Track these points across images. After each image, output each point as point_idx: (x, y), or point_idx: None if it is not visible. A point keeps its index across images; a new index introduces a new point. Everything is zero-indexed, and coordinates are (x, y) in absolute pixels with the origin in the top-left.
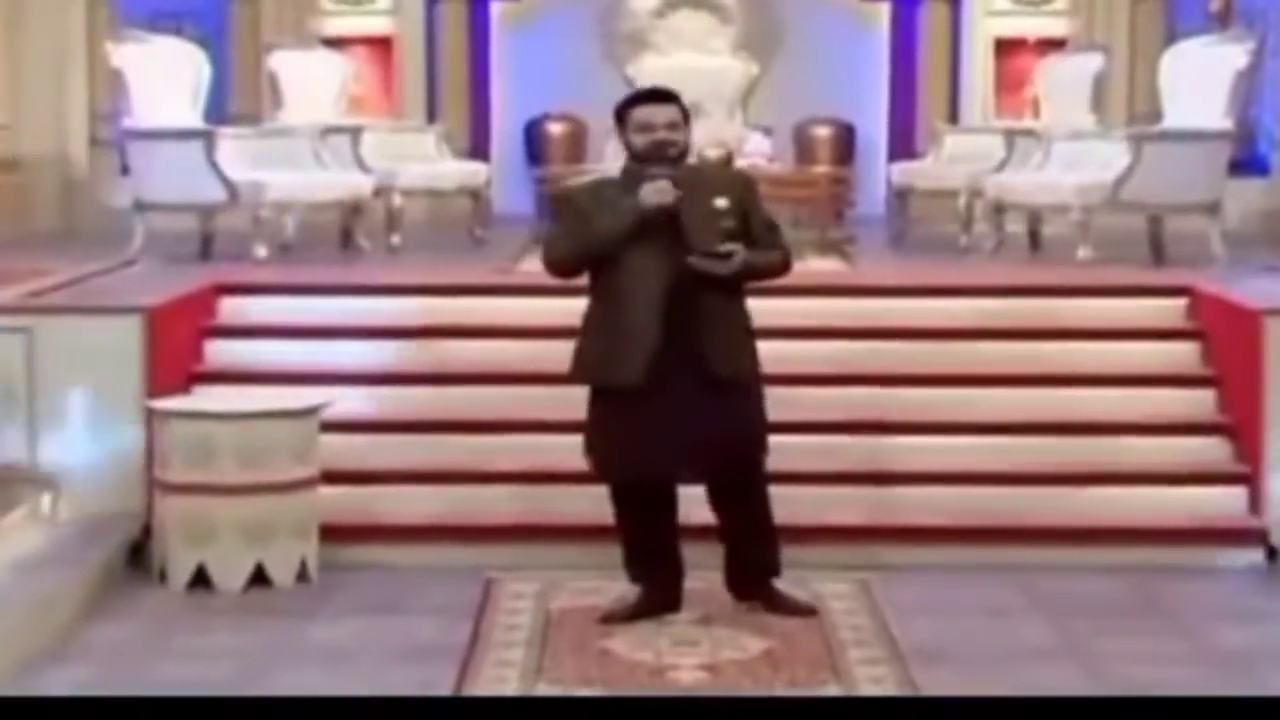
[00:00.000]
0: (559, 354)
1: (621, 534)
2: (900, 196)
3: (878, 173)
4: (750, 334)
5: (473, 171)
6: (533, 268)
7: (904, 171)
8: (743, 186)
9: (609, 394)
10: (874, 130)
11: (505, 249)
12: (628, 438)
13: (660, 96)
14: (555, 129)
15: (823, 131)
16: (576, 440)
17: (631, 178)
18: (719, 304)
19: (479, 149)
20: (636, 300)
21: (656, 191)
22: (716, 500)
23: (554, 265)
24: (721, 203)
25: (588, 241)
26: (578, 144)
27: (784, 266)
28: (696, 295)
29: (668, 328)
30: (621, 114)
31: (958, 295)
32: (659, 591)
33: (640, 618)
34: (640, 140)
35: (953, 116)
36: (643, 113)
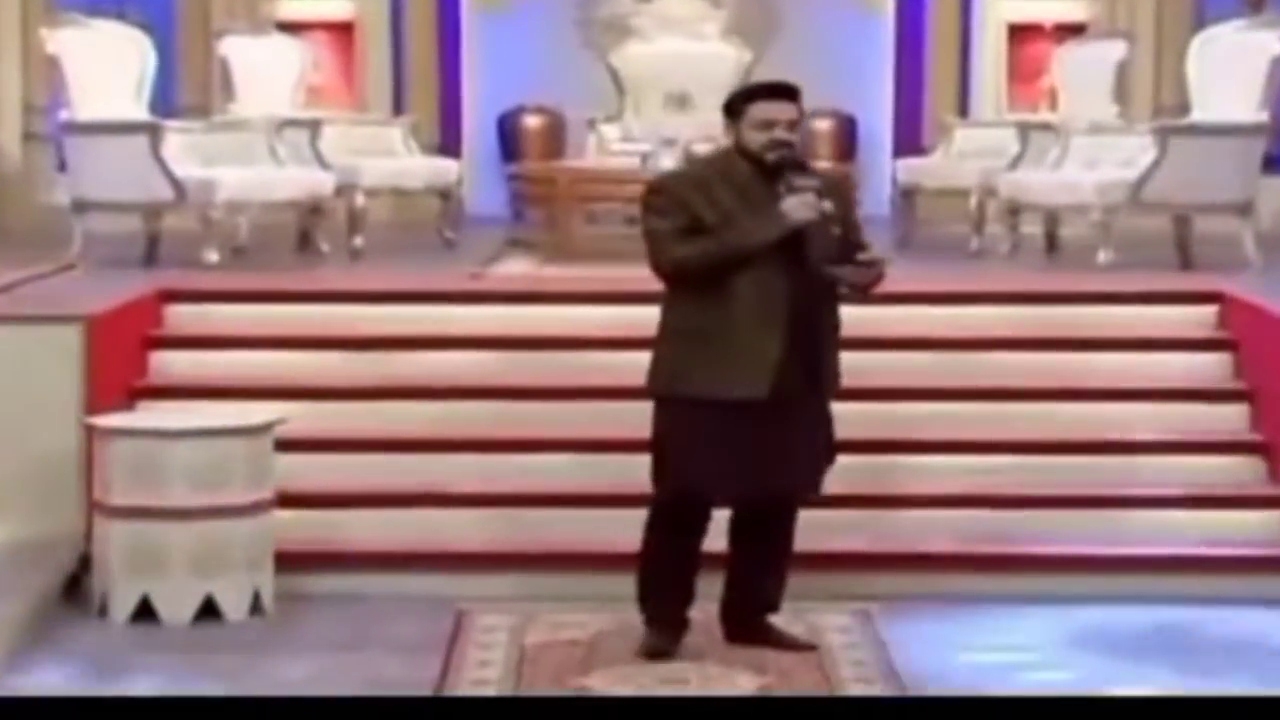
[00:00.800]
0: (535, 366)
1: (649, 562)
2: (906, 195)
3: (882, 169)
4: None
5: (442, 168)
6: (509, 271)
7: (910, 168)
8: (842, 189)
9: (713, 408)
10: (877, 123)
11: (477, 252)
12: (734, 454)
13: (784, 92)
14: (531, 122)
15: (822, 124)
16: (555, 460)
17: (731, 169)
18: (830, 318)
19: (449, 144)
20: (757, 310)
21: (805, 206)
22: (745, 526)
23: (681, 270)
24: (828, 207)
25: (726, 250)
26: (555, 138)
27: (882, 276)
28: (815, 307)
29: (787, 341)
30: (737, 107)
31: (969, 302)
32: (675, 627)
33: (662, 656)
34: (758, 138)
35: (963, 109)
36: (766, 109)
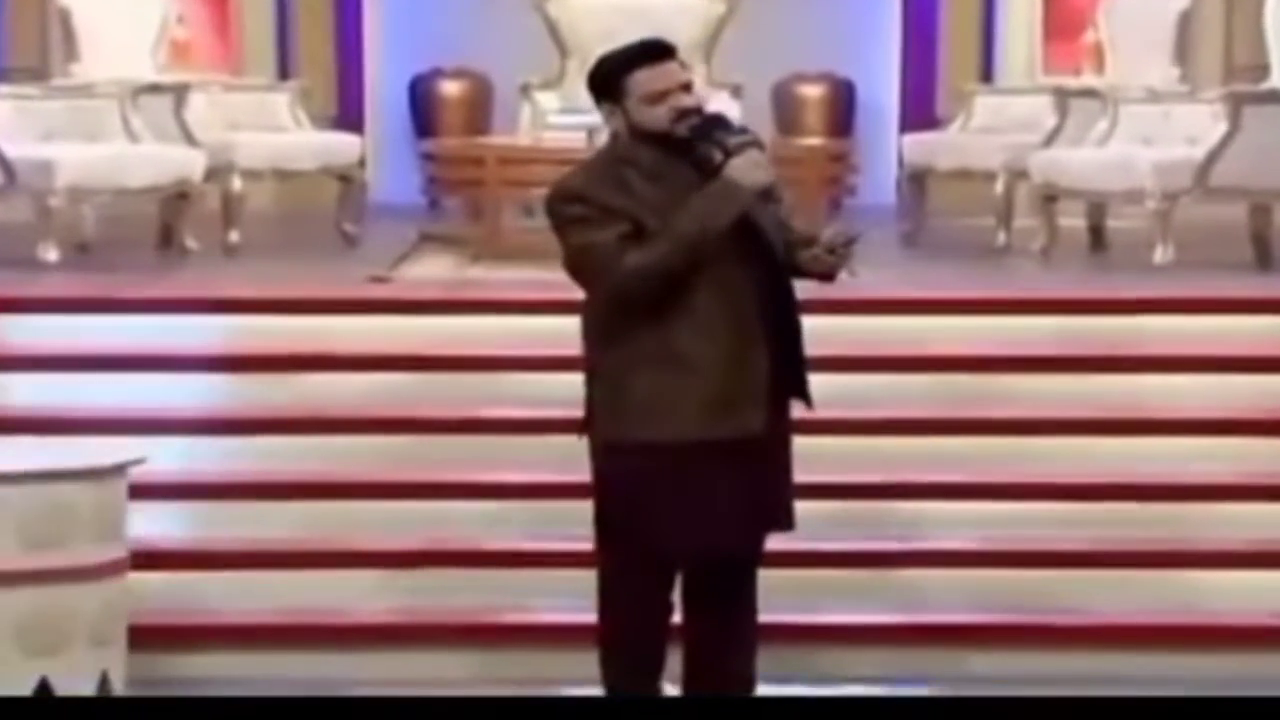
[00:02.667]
0: (455, 392)
1: (613, 640)
2: (916, 180)
3: (886, 148)
4: None
5: (339, 146)
6: (423, 274)
7: (920, 146)
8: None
9: (693, 450)
10: (880, 90)
11: (384, 250)
12: (717, 503)
13: (661, 52)
14: (450, 89)
15: (812, 91)
16: (477, 509)
17: (635, 159)
18: (797, 320)
19: (348, 115)
20: (731, 322)
21: (756, 165)
22: (704, 589)
23: (645, 282)
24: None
25: (688, 241)
26: (480, 109)
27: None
28: (784, 308)
29: (771, 355)
30: (614, 85)
31: (991, 312)
32: None
33: None
34: (655, 114)
35: (986, 72)
36: (651, 78)
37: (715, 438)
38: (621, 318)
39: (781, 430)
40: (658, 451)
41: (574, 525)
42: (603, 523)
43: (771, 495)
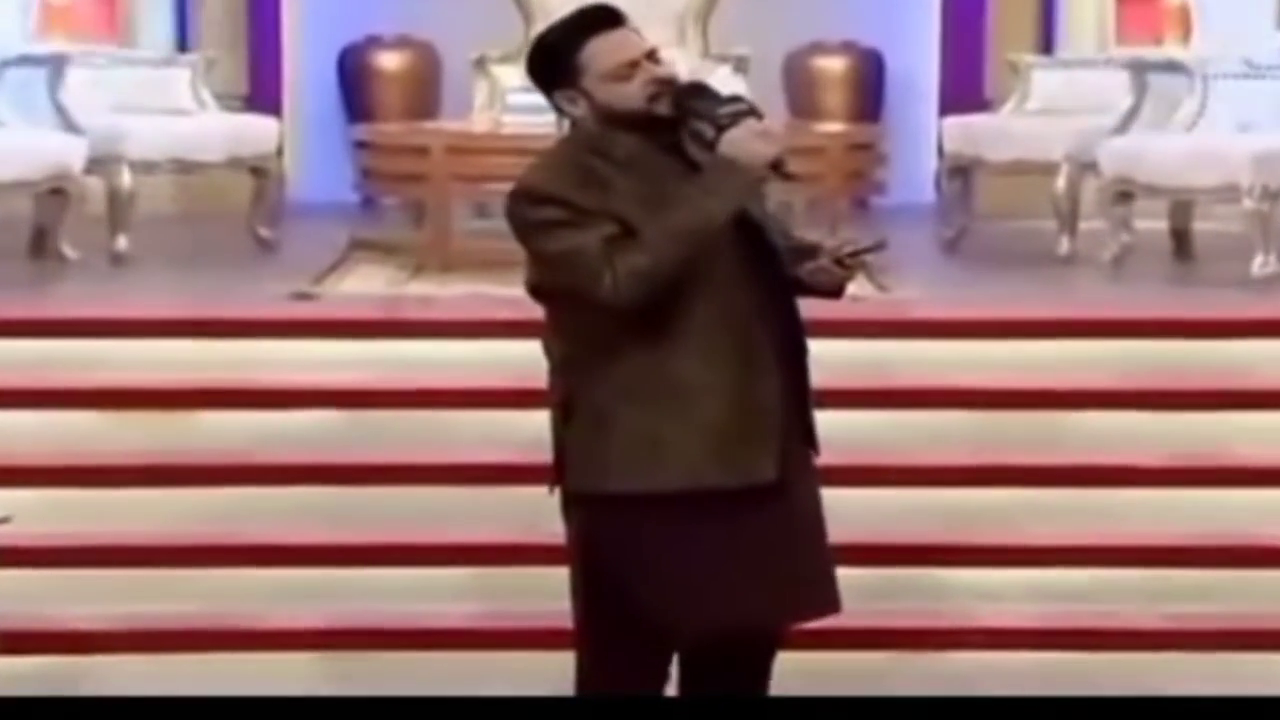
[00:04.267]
0: (394, 434)
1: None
2: (960, 173)
3: (921, 134)
4: None
5: (252, 132)
6: (355, 289)
7: (965, 132)
8: None
9: (692, 504)
10: (916, 64)
11: (307, 260)
12: (727, 571)
13: (606, 17)
14: (388, 62)
15: (833, 65)
16: (418, 577)
17: (607, 149)
18: (804, 343)
19: (263, 95)
20: (733, 343)
21: (757, 135)
22: (707, 679)
23: (650, 287)
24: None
25: (694, 235)
26: (426, 86)
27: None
28: (789, 326)
29: (781, 384)
30: (563, 63)
31: (1053, 336)
32: None
33: None
34: (626, 91)
35: (1045, 41)
36: (613, 48)
37: (723, 486)
38: (603, 341)
39: (805, 479)
40: (652, 504)
41: (542, 597)
42: (581, 594)
43: (801, 562)
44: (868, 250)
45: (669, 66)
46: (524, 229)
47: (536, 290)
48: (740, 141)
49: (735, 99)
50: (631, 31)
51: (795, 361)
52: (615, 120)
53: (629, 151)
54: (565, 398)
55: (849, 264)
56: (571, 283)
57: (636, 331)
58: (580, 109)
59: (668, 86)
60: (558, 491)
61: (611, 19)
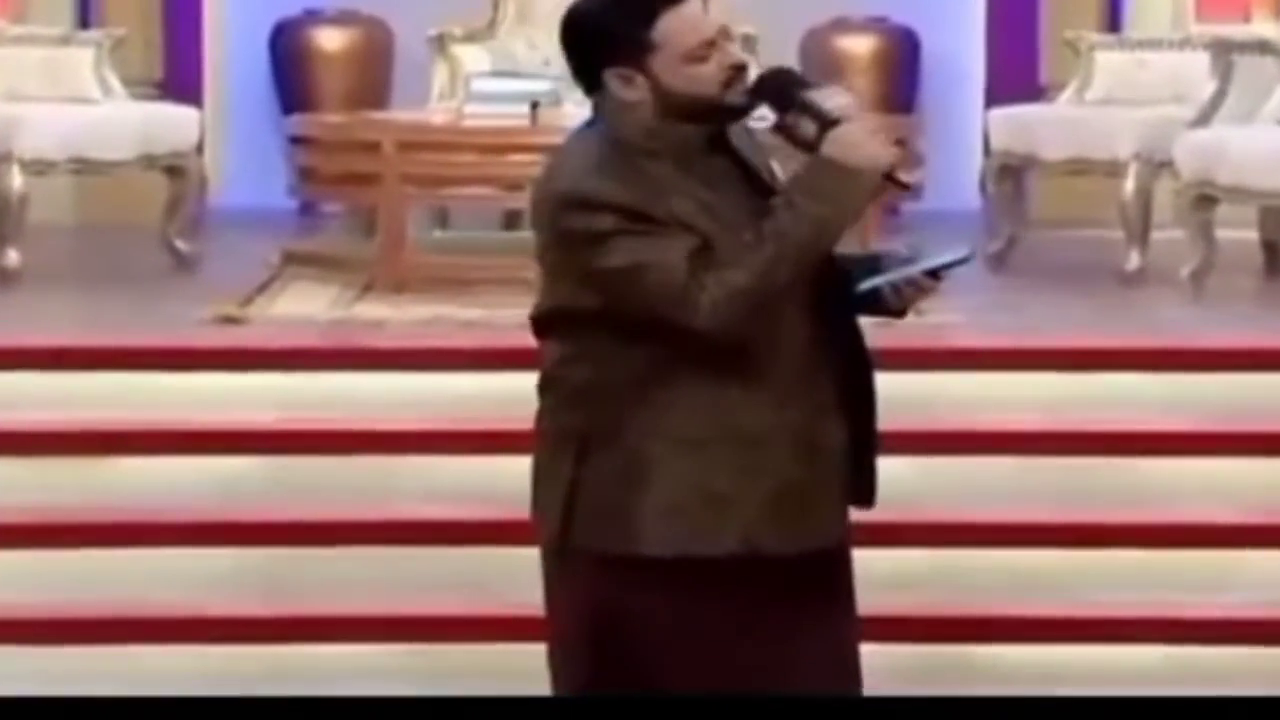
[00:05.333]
0: (333, 481)
1: None
2: (1009, 174)
3: (965, 128)
4: None
5: (168, 125)
6: (289, 311)
7: (1015, 125)
8: None
9: (759, 569)
10: (957, 44)
11: (233, 277)
12: (810, 657)
13: None
14: (330, 41)
15: (859, 46)
16: (363, 655)
17: (670, 147)
18: (872, 380)
19: (181, 81)
20: (793, 381)
21: (870, 135)
22: None
23: (742, 314)
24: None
25: (788, 255)
26: (375, 69)
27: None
28: (859, 364)
29: (845, 429)
30: (632, 38)
31: (1122, 368)
32: None
33: None
34: (703, 75)
35: (1111, 19)
36: (687, 22)
37: (788, 552)
38: (651, 370)
39: (847, 544)
40: (695, 570)
41: (501, 678)
42: (586, 674)
43: (848, 646)
44: (958, 262)
45: (739, 49)
46: (577, 242)
47: (558, 316)
48: (856, 142)
49: (827, 88)
50: (700, 3)
51: (863, 403)
52: (677, 109)
53: (685, 148)
54: (582, 433)
55: (924, 285)
56: (642, 303)
57: (697, 363)
58: (636, 93)
59: (742, 71)
60: (545, 550)
61: None
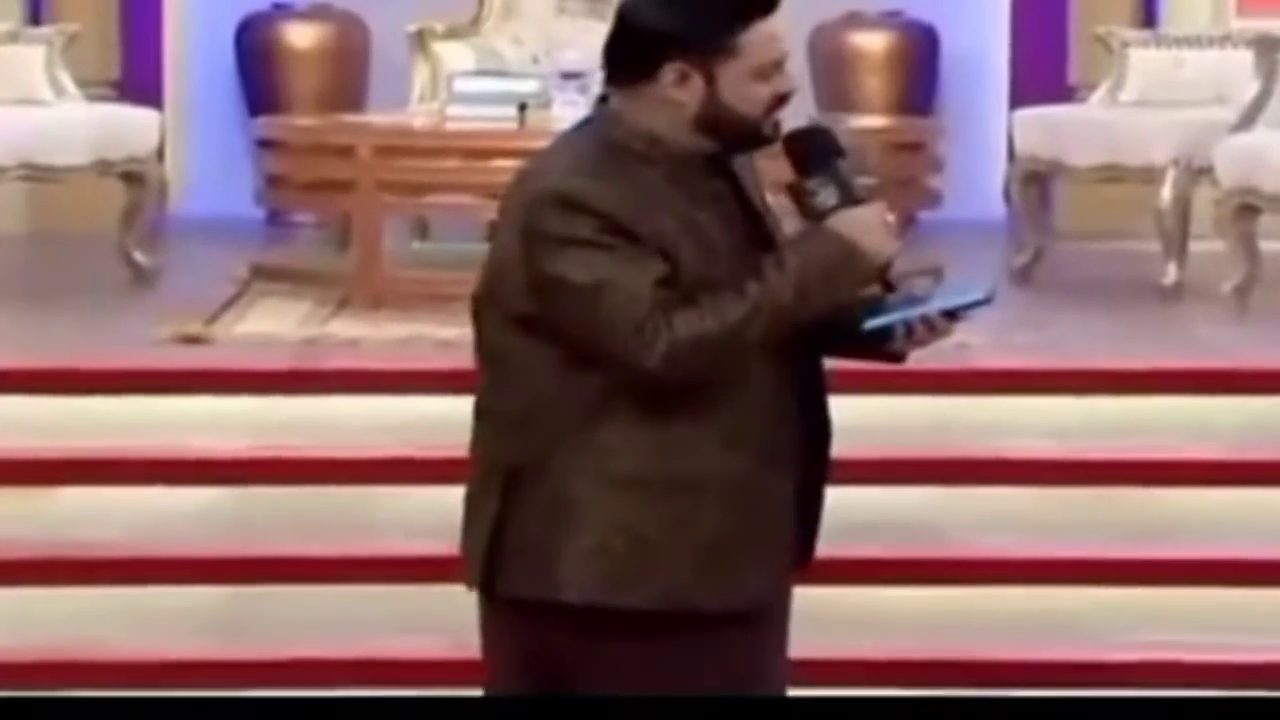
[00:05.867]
0: (307, 515)
1: None
2: (1036, 181)
3: (988, 131)
4: None
5: (126, 128)
6: (256, 329)
7: (1044, 128)
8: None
9: (675, 623)
10: (980, 40)
11: (196, 293)
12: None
13: None
14: (301, 38)
15: (873, 42)
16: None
17: (670, 160)
18: (829, 425)
19: (139, 80)
20: (751, 425)
21: (884, 227)
22: None
23: (694, 363)
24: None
25: (764, 318)
26: (349, 68)
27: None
28: (818, 407)
29: (795, 476)
30: (719, 31)
31: (1157, 391)
32: None
33: None
34: (757, 95)
35: (1147, 14)
36: (770, 35)
37: (713, 609)
38: (588, 403)
39: (784, 605)
40: (624, 620)
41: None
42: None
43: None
44: (978, 304)
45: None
46: (544, 243)
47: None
48: (869, 227)
49: (854, 158)
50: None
51: (818, 454)
52: (716, 122)
53: (685, 163)
54: (510, 465)
55: (940, 329)
56: (594, 328)
57: (642, 396)
58: (687, 94)
59: (785, 101)
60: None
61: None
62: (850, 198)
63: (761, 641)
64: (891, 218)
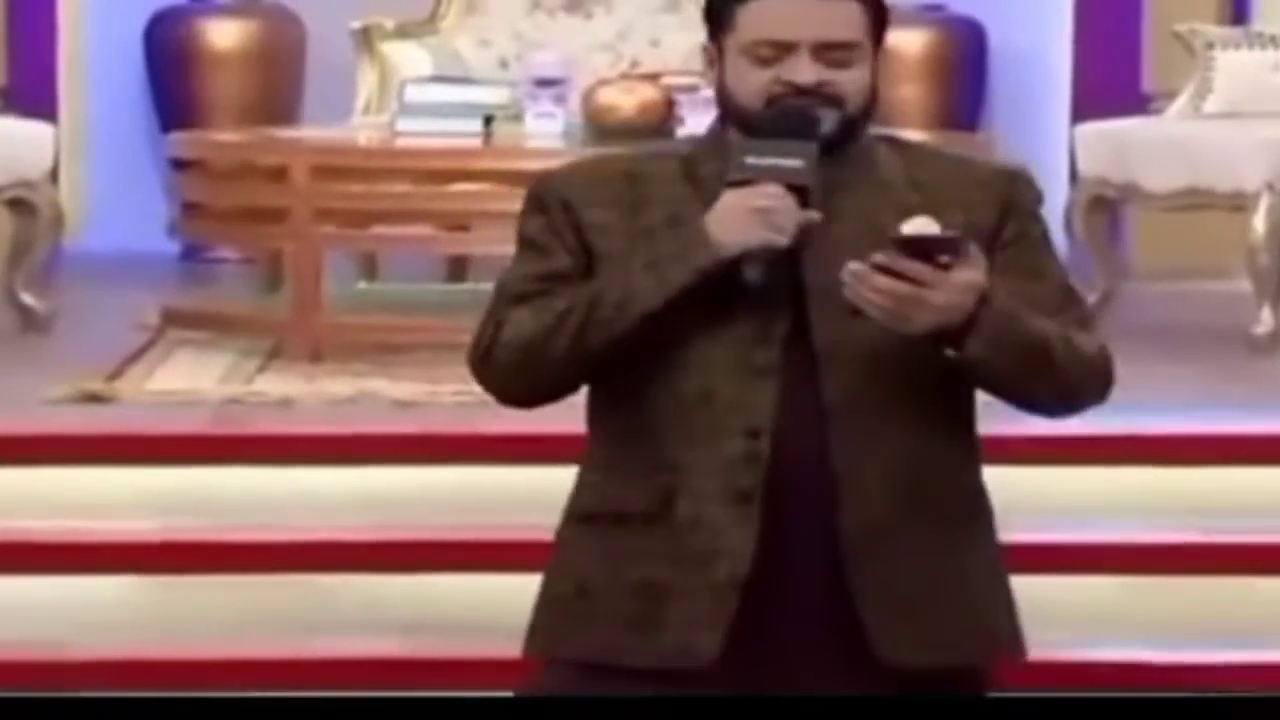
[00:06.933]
0: (224, 606)
1: None
2: (1103, 208)
3: (1046, 148)
4: (998, 563)
5: (13, 146)
6: (171, 386)
7: (1113, 145)
8: (1000, 195)
9: (602, 678)
10: (1036, 40)
11: (99, 342)
12: None
13: None
14: (224, 37)
15: (907, 42)
16: None
17: (709, 155)
18: (909, 452)
19: (28, 89)
20: (710, 456)
21: (756, 214)
22: None
23: (510, 367)
24: (814, 216)
25: (585, 319)
26: (280, 73)
27: (1097, 369)
28: (849, 435)
29: (780, 526)
30: (722, 2)
31: (1249, 461)
32: None
33: None
34: (754, 79)
35: (1237, 9)
36: (775, 8)
37: (641, 665)
38: (590, 431)
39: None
40: (579, 674)
41: None
42: None
43: None
44: (945, 245)
45: (830, 74)
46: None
47: None
48: (724, 213)
49: (796, 153)
50: (837, 3)
51: (816, 479)
52: (725, 113)
53: (706, 157)
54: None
55: (943, 263)
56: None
57: (609, 414)
58: (710, 77)
59: (798, 94)
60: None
61: None
62: (735, 178)
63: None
64: (785, 202)
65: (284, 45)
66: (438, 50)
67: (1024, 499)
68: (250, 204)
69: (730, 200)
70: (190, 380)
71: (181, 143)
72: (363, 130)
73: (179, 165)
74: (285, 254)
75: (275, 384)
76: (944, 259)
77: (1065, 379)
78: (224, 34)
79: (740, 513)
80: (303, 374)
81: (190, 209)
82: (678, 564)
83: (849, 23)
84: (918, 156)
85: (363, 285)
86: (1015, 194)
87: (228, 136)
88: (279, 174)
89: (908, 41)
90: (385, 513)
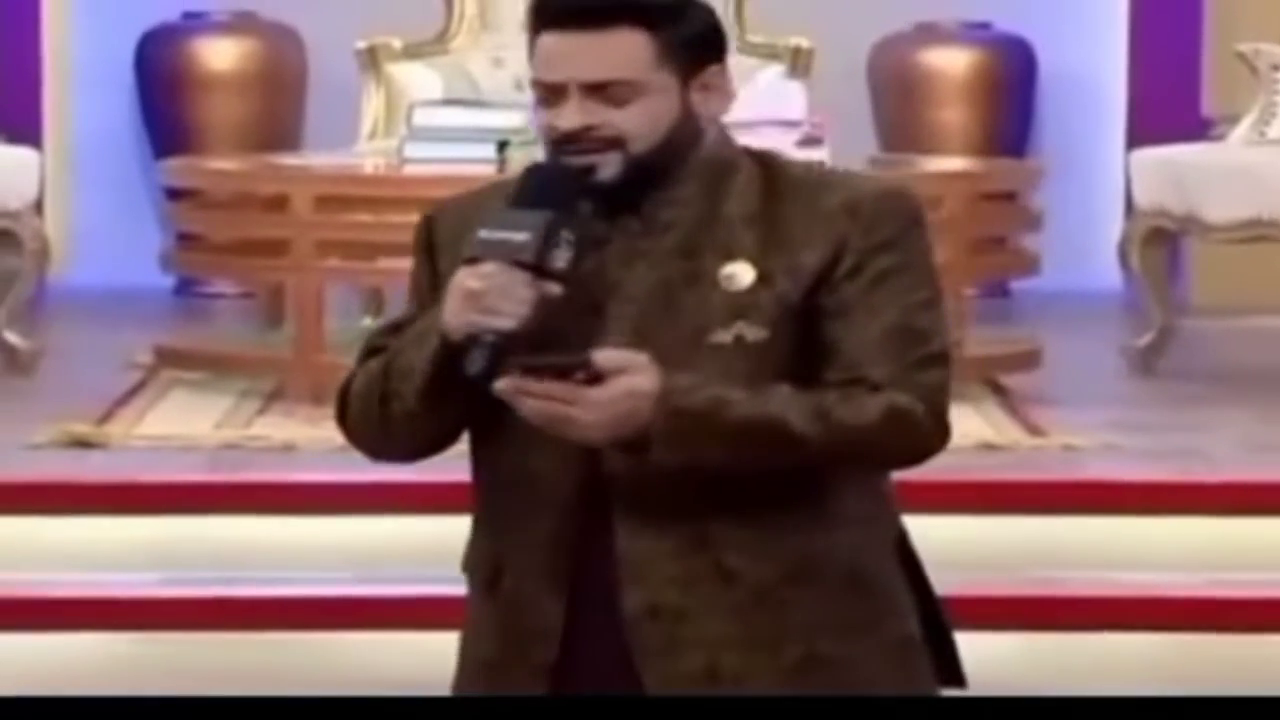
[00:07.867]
0: (218, 666)
1: None
2: (1159, 241)
3: (1099, 177)
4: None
5: (0, 174)
6: (163, 430)
7: (1171, 173)
8: (838, 232)
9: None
10: (1087, 62)
11: (87, 383)
12: None
13: (581, 12)
14: (220, 56)
15: (950, 62)
16: None
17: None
18: (697, 534)
19: (13, 114)
20: (547, 515)
21: (469, 297)
22: None
23: (346, 422)
24: (740, 271)
25: (381, 388)
26: (281, 96)
27: (884, 430)
28: (631, 515)
29: (583, 595)
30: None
31: None
32: None
33: None
34: (540, 121)
35: None
36: (546, 47)
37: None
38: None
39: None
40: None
41: None
42: None
43: None
44: (569, 366)
45: (589, 118)
46: None
47: None
48: (451, 291)
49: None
50: (594, 36)
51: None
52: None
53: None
54: None
55: (581, 379)
56: None
57: (495, 465)
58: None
59: (560, 142)
60: None
61: (590, 14)
62: (471, 256)
63: None
64: (483, 285)
65: (284, 66)
66: (448, 71)
67: (1075, 548)
68: (249, 235)
69: (455, 280)
70: (185, 424)
71: (175, 170)
72: (368, 157)
73: (173, 194)
74: (286, 288)
75: (276, 428)
76: (579, 376)
77: (837, 450)
78: (220, 54)
79: (553, 593)
80: (305, 417)
81: (185, 241)
82: (503, 644)
83: (627, 59)
84: (783, 186)
85: (368, 321)
86: (856, 228)
87: (224, 164)
88: (279, 203)
89: (951, 62)
90: (393, 565)
